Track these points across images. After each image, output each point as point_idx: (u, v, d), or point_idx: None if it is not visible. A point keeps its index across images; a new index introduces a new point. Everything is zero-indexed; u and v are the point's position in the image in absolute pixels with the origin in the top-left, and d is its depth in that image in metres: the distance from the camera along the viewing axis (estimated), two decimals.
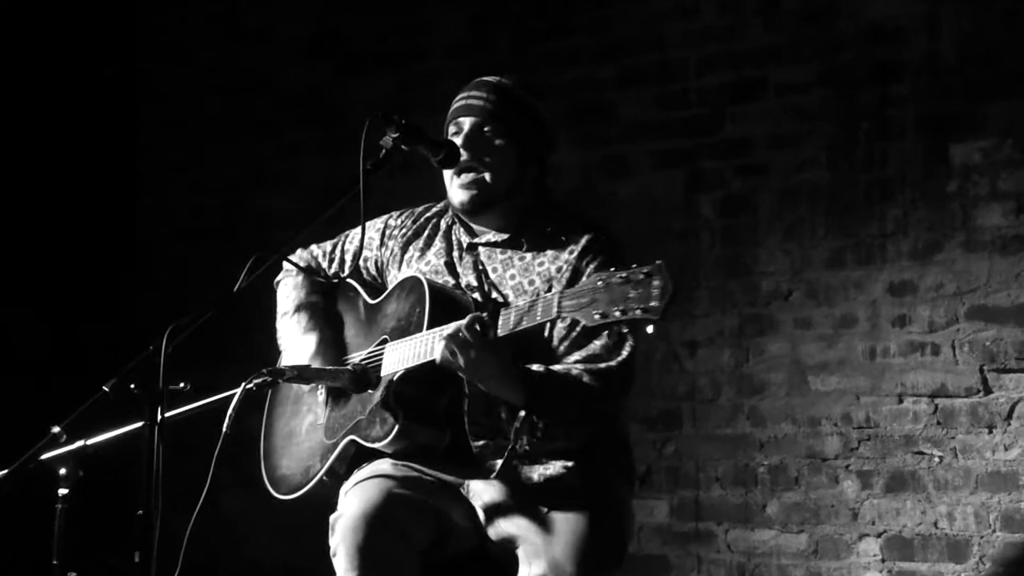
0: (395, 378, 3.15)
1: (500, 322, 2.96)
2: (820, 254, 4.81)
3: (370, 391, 3.22)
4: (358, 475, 3.23)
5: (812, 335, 4.80)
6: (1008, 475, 4.44)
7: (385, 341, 3.27)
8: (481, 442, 3.13)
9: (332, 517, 3.14)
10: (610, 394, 3.14)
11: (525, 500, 3.13)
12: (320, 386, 3.39)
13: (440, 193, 3.38)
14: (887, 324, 4.67)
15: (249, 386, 3.09)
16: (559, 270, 3.22)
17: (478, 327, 2.96)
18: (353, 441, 3.24)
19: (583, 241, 3.24)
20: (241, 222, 5.92)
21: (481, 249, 3.34)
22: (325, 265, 3.57)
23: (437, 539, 3.17)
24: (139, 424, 2.91)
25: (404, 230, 3.47)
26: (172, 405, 3.05)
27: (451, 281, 3.31)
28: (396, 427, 3.11)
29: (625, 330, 3.12)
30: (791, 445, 4.81)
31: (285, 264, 3.56)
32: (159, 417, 2.82)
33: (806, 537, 4.76)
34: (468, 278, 3.31)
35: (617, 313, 2.68)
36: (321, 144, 5.78)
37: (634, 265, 2.71)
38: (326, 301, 3.54)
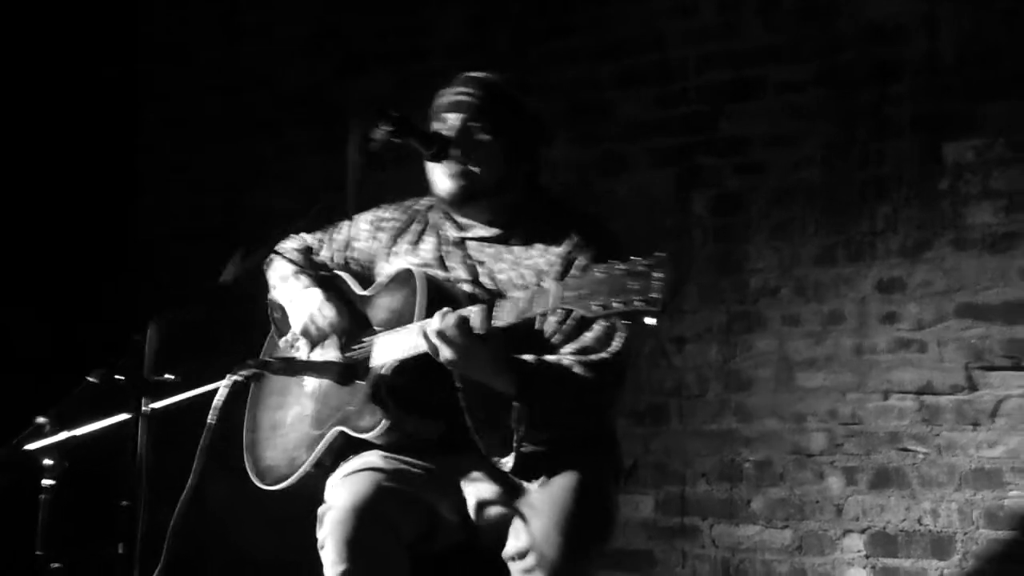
0: (385, 369, 3.09)
1: (499, 313, 2.88)
2: (810, 251, 4.76)
3: (359, 382, 3.15)
4: (347, 467, 3.17)
5: (800, 332, 4.76)
6: (992, 472, 4.38)
7: (377, 332, 3.20)
8: (485, 436, 3.06)
9: (320, 509, 3.08)
10: (604, 384, 3.09)
11: (515, 481, 3.07)
12: (307, 377, 3.32)
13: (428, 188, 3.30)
14: (875, 321, 4.62)
15: (236, 377, 3.03)
16: (549, 264, 3.15)
17: (463, 320, 2.89)
18: (341, 432, 3.17)
19: (574, 235, 3.17)
20: (241, 222, 5.85)
21: (470, 243, 3.27)
22: (316, 252, 3.50)
23: (426, 532, 3.12)
24: (125, 415, 2.91)
25: (394, 222, 3.40)
26: (159, 396, 3.03)
27: (440, 275, 3.23)
28: (386, 417, 3.06)
29: (616, 322, 3.05)
30: (777, 441, 4.76)
31: (276, 248, 3.47)
32: (144, 408, 2.79)
33: (791, 533, 4.71)
34: (457, 272, 3.24)
35: (618, 304, 2.59)
36: (321, 143, 5.72)
37: (635, 257, 2.62)
38: (321, 277, 3.46)
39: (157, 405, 3.01)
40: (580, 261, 3.11)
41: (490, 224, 3.25)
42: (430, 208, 3.37)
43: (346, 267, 3.44)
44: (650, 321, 2.60)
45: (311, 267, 3.46)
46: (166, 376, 2.92)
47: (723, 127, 4.94)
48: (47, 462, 3.11)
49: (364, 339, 3.22)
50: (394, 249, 3.35)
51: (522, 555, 2.96)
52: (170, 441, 3.12)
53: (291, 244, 3.50)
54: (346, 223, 3.37)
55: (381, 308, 3.23)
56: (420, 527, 3.10)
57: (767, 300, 4.81)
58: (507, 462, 3.04)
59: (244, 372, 3.06)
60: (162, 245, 6.11)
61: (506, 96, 3.24)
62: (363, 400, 3.11)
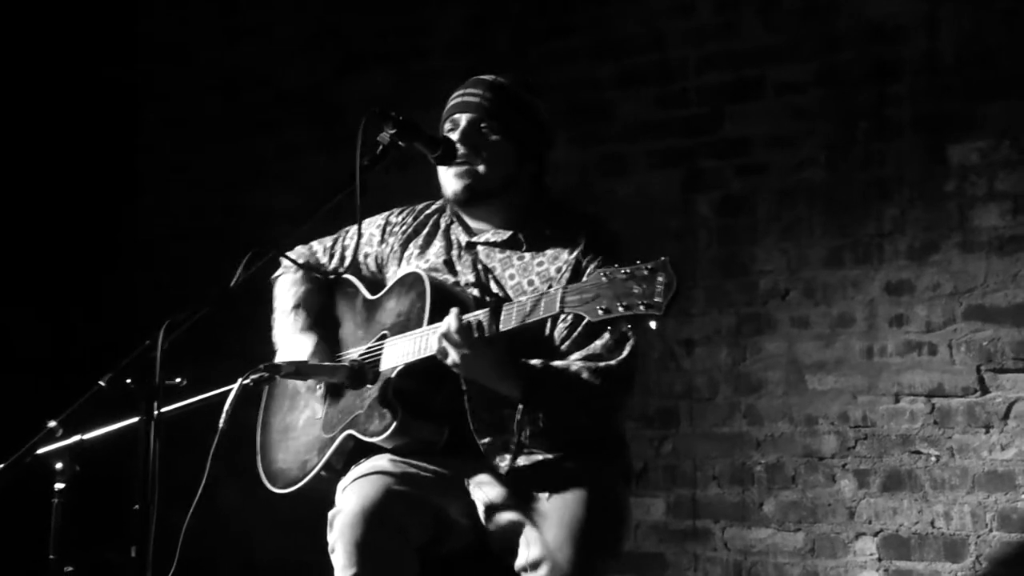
0: (394, 373, 3.15)
1: (503, 317, 2.95)
2: (817, 253, 4.79)
3: (369, 386, 3.21)
4: (356, 471, 3.22)
5: (809, 334, 4.79)
6: (1005, 475, 4.42)
7: (384, 336, 3.26)
8: (487, 439, 3.12)
9: (330, 513, 3.13)
10: (610, 392, 3.13)
11: (525, 489, 3.12)
12: (318, 381, 3.38)
13: (437, 190, 3.36)
14: (884, 324, 4.66)
15: (246, 382, 3.07)
16: (559, 270, 3.22)
17: (470, 323, 2.96)
18: (351, 435, 3.23)
19: (582, 239, 3.23)
20: (241, 222, 5.90)
21: (480, 248, 3.33)
22: (324, 260, 3.57)
23: (435, 535, 3.16)
24: (135, 419, 2.89)
25: (405, 227, 3.47)
26: (168, 400, 3.01)
27: (450, 279, 3.30)
28: (395, 422, 3.11)
29: (626, 330, 3.11)
30: (788, 444, 4.80)
31: (283, 260, 3.55)
32: (155, 412, 2.81)
33: (803, 536, 4.75)
34: (467, 276, 3.30)
35: (620, 308, 2.68)
36: (321, 143, 5.76)
37: (638, 261, 2.71)
38: (324, 298, 3.53)
39: (168, 409, 3.02)
40: (588, 266, 3.17)
41: (498, 227, 3.31)
42: (441, 212, 3.44)
43: (357, 271, 3.51)
44: (652, 325, 2.69)
45: (316, 287, 3.52)
46: (177, 380, 2.95)
47: (724, 128, 4.98)
48: (59, 466, 3.15)
49: (373, 343, 3.29)
50: (405, 253, 3.42)
51: (535, 566, 3.02)
52: (181, 444, 3.19)
53: (298, 257, 3.56)
54: (355, 227, 3.43)
55: (389, 312, 3.30)
56: (430, 530, 3.14)
57: (776, 302, 4.85)
58: (503, 465, 3.11)
59: (254, 376, 3.09)
60: (162, 245, 6.15)
61: (515, 98, 3.32)
62: (372, 404, 3.17)
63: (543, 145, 3.38)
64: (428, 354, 3.05)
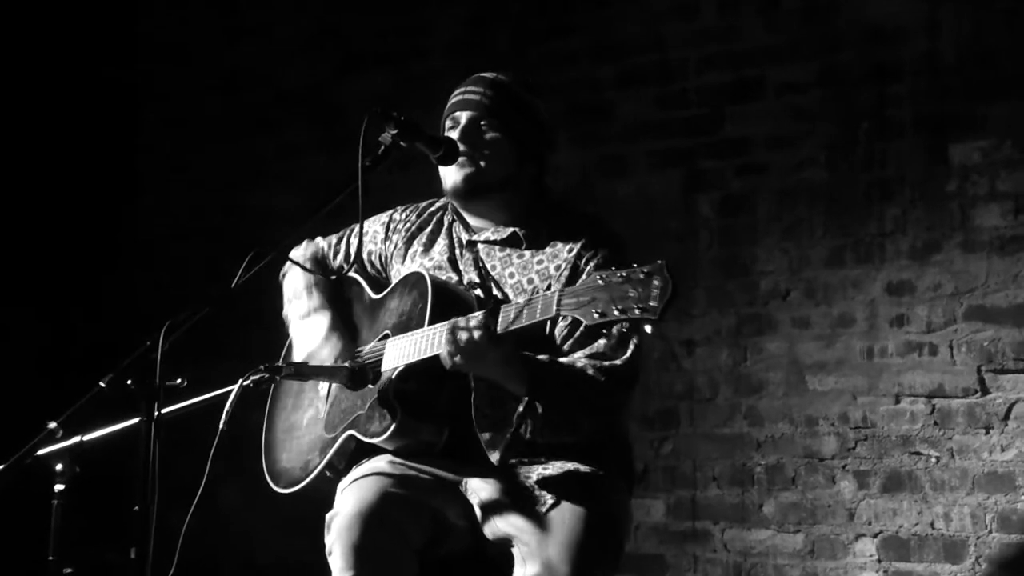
0: (395, 374, 3.16)
1: (500, 319, 2.95)
2: (819, 253, 4.81)
3: (370, 387, 3.21)
4: (355, 473, 3.23)
5: (810, 334, 4.81)
6: (1005, 476, 4.44)
7: (387, 336, 3.27)
8: (488, 434, 3.11)
9: (328, 515, 3.14)
10: (614, 390, 3.14)
11: (523, 499, 3.12)
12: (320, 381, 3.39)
13: (439, 191, 3.37)
14: (885, 324, 4.67)
15: (246, 383, 3.07)
16: (558, 268, 3.22)
17: (477, 322, 2.96)
18: (352, 436, 3.23)
19: (582, 239, 3.24)
20: (241, 222, 5.91)
21: (480, 246, 3.34)
22: (330, 255, 3.59)
23: (433, 538, 3.16)
24: (135, 420, 2.90)
25: (408, 224, 3.49)
26: (169, 401, 3.02)
27: (454, 278, 3.32)
28: (395, 423, 3.12)
29: (628, 329, 3.12)
30: (788, 445, 4.81)
31: (291, 255, 3.56)
32: (155, 413, 2.81)
33: (803, 537, 4.76)
34: (470, 275, 3.31)
35: (616, 312, 2.68)
36: (321, 143, 5.78)
37: (635, 264, 2.71)
38: (332, 290, 3.54)
39: (168, 410, 3.02)
40: (587, 265, 3.18)
41: (498, 224, 3.33)
42: (444, 210, 3.46)
43: (362, 270, 3.52)
44: (648, 329, 2.70)
45: (324, 274, 3.53)
46: (178, 381, 2.96)
47: (725, 128, 4.99)
48: (59, 467, 3.18)
49: (375, 343, 3.30)
50: (409, 251, 3.43)
51: None
52: (181, 445, 3.20)
53: (305, 251, 3.58)
54: (358, 226, 3.44)
55: (391, 311, 3.31)
56: (428, 532, 3.14)
57: (776, 303, 4.86)
58: (495, 457, 3.09)
59: (254, 377, 3.08)
60: (162, 245, 6.17)
61: (515, 97, 3.33)
62: (373, 405, 3.18)
63: (543, 145, 3.39)
64: (429, 355, 3.06)
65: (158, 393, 2.83)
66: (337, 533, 3.06)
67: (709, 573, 4.91)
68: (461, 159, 3.25)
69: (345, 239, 3.59)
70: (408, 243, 3.45)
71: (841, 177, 4.79)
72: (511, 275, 3.27)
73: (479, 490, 3.18)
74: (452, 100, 3.35)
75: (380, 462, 3.21)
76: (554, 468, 3.16)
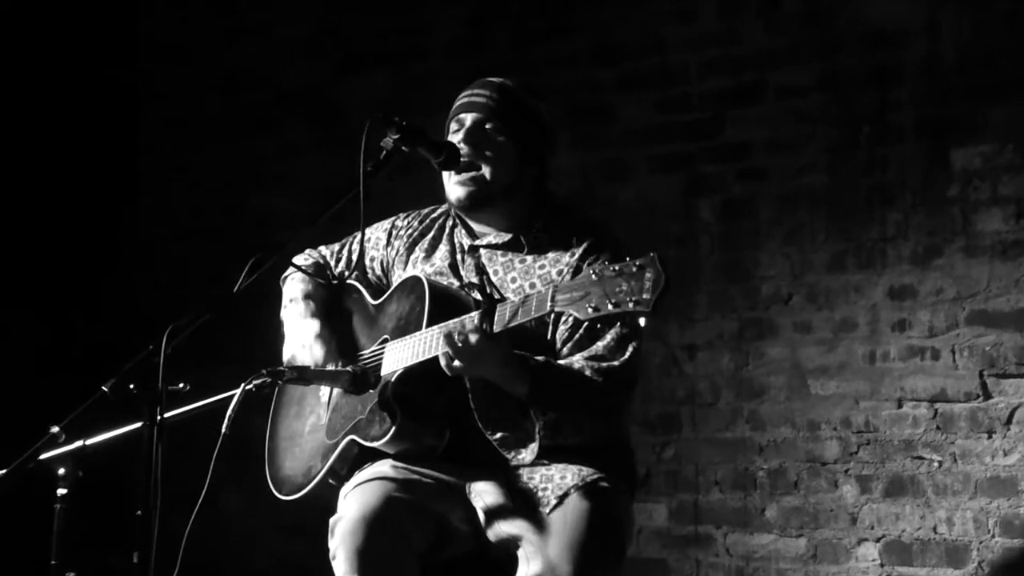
0: (394, 378, 3.18)
1: (496, 317, 2.97)
2: (820, 258, 4.83)
3: (370, 391, 3.23)
4: (358, 477, 3.25)
5: (812, 339, 4.83)
6: (1007, 480, 4.46)
7: (386, 341, 3.29)
8: (499, 434, 3.14)
9: (331, 520, 3.15)
10: (612, 391, 3.16)
11: (526, 501, 3.14)
12: (322, 386, 3.41)
13: (441, 196, 3.39)
14: (887, 328, 4.69)
15: (248, 387, 3.09)
16: (560, 273, 3.25)
17: (474, 324, 2.98)
18: (353, 441, 3.25)
19: (585, 243, 3.27)
20: (241, 222, 5.94)
21: (482, 251, 3.36)
22: (332, 262, 3.61)
23: (436, 542, 3.18)
24: (138, 424, 2.92)
25: (411, 231, 3.51)
26: (171, 405, 3.05)
27: (455, 283, 3.34)
28: (395, 426, 3.13)
29: (628, 331, 3.15)
30: (790, 449, 4.83)
31: (293, 262, 3.59)
32: (158, 417, 2.83)
33: (805, 541, 4.78)
34: (471, 280, 3.33)
35: (610, 306, 2.70)
36: (321, 143, 5.80)
37: (627, 258, 2.73)
38: (331, 297, 3.56)
39: (170, 414, 3.06)
40: (589, 268, 3.20)
41: (501, 230, 3.35)
42: (445, 216, 3.48)
43: (363, 276, 3.54)
44: (642, 322, 2.72)
45: (325, 280, 3.55)
46: (180, 385, 2.97)
47: (726, 132, 5.01)
48: (61, 471, 3.19)
49: (375, 347, 3.32)
50: (411, 257, 3.46)
51: None
52: (183, 450, 3.24)
53: (306, 259, 3.60)
54: (360, 232, 3.44)
55: (390, 316, 3.33)
56: (431, 536, 3.16)
57: (778, 307, 4.88)
58: (526, 455, 3.12)
59: (257, 381, 3.11)
60: (162, 245, 6.19)
61: (520, 100, 3.36)
62: (373, 409, 3.20)
63: (546, 148, 3.41)
64: (427, 358, 3.08)
65: (161, 397, 2.85)
66: (341, 537, 3.08)
67: None
68: (465, 169, 3.27)
69: (347, 246, 3.61)
70: (410, 249, 3.48)
71: (842, 181, 4.80)
72: (513, 280, 3.29)
73: (482, 493, 3.20)
74: (458, 103, 3.38)
75: (383, 466, 3.23)
76: (556, 470, 3.17)
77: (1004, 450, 4.48)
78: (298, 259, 3.62)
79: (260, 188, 5.99)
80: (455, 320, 3.06)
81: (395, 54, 5.79)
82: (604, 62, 5.28)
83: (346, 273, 3.56)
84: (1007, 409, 4.48)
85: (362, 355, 3.37)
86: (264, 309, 3.65)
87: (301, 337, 3.43)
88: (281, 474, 3.48)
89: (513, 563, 3.11)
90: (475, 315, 3.01)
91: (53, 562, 3.19)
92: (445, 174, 3.33)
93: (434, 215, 3.51)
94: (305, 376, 3.28)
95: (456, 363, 2.98)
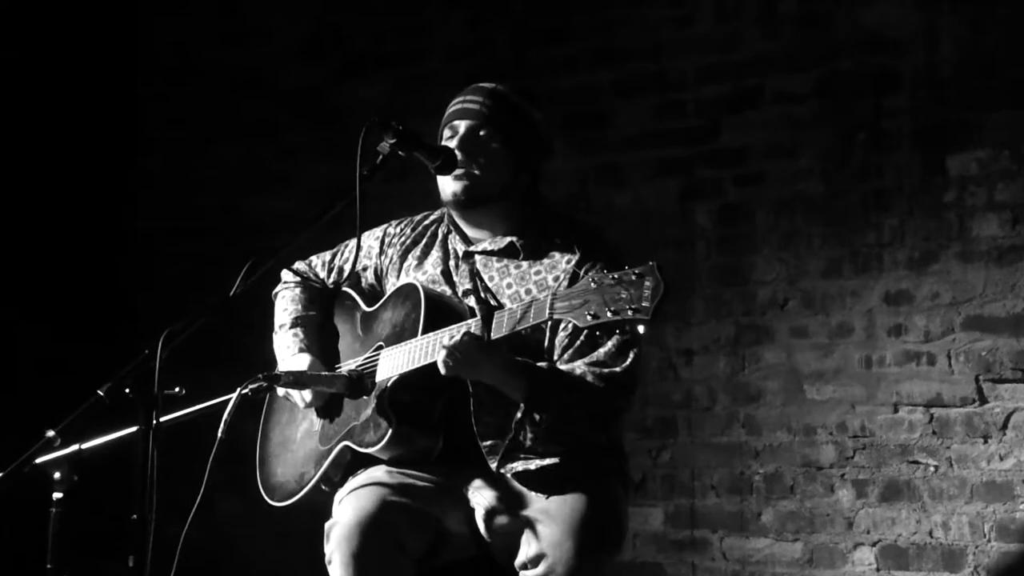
0: (389, 384, 3.19)
1: (494, 325, 2.99)
2: (817, 263, 4.83)
3: (365, 397, 3.25)
4: (353, 482, 3.26)
5: (808, 344, 4.83)
6: (1003, 485, 4.47)
7: (381, 348, 3.30)
8: (490, 442, 3.16)
9: (327, 524, 3.17)
10: (613, 397, 3.18)
11: (523, 492, 3.17)
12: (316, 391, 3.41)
13: (436, 201, 3.40)
14: (883, 333, 4.70)
15: (245, 391, 3.11)
16: (556, 279, 3.25)
17: (471, 331, 3.01)
18: (347, 447, 3.27)
19: (581, 249, 3.27)
20: (240, 223, 5.94)
21: (477, 257, 3.37)
22: (323, 275, 3.61)
23: (432, 546, 3.20)
24: (134, 428, 2.93)
25: (403, 238, 3.51)
26: (167, 409, 3.06)
27: (448, 290, 3.34)
28: (390, 432, 3.15)
29: (629, 337, 3.16)
30: (786, 454, 4.84)
31: (283, 275, 3.60)
32: (154, 421, 2.84)
33: (801, 546, 4.79)
34: (465, 286, 3.34)
35: (609, 314, 2.72)
36: (320, 145, 5.80)
37: (626, 266, 2.75)
38: (323, 313, 3.57)
39: (166, 418, 3.05)
40: (586, 275, 3.17)
41: (496, 235, 3.36)
42: (439, 222, 3.49)
43: (356, 284, 3.54)
44: (641, 329, 2.74)
45: (315, 302, 3.56)
46: (176, 389, 2.98)
47: (722, 138, 5.01)
48: (57, 475, 3.19)
49: (369, 354, 3.33)
50: (404, 264, 3.46)
51: (535, 562, 3.06)
52: (179, 454, 3.23)
53: (296, 274, 3.61)
54: (354, 240, 3.45)
55: (385, 323, 3.34)
56: (427, 541, 3.18)
57: (775, 312, 4.89)
58: (492, 462, 3.15)
59: (253, 385, 3.14)
60: (161, 245, 6.20)
61: (514, 106, 3.36)
62: (367, 415, 3.21)
63: (540, 154, 3.42)
64: (422, 364, 3.10)
65: (156, 401, 2.86)
66: (336, 543, 3.10)
67: None
68: (459, 169, 3.28)
69: (339, 255, 3.62)
70: (403, 257, 3.48)
71: (839, 187, 4.81)
72: (508, 286, 3.30)
73: (480, 489, 3.23)
74: (451, 109, 3.38)
75: (378, 471, 3.25)
76: (551, 460, 3.19)
77: (1000, 455, 4.48)
78: (287, 272, 3.62)
79: (259, 188, 5.99)
80: (453, 327, 3.07)
81: (394, 56, 5.80)
82: (602, 66, 5.28)
83: (339, 282, 3.57)
84: (1003, 414, 4.49)
85: (357, 361, 3.37)
86: (261, 313, 3.65)
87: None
88: (273, 480, 3.48)
89: (514, 559, 3.13)
90: (472, 322, 3.03)
91: (49, 566, 3.19)
92: (441, 178, 3.33)
93: (427, 222, 3.52)
94: (302, 381, 3.30)
95: (453, 367, 3.00)
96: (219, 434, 3.01)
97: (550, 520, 3.09)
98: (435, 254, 3.43)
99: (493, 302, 3.28)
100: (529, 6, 5.52)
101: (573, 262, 3.25)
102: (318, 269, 3.63)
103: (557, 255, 3.29)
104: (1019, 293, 4.49)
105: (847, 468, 4.72)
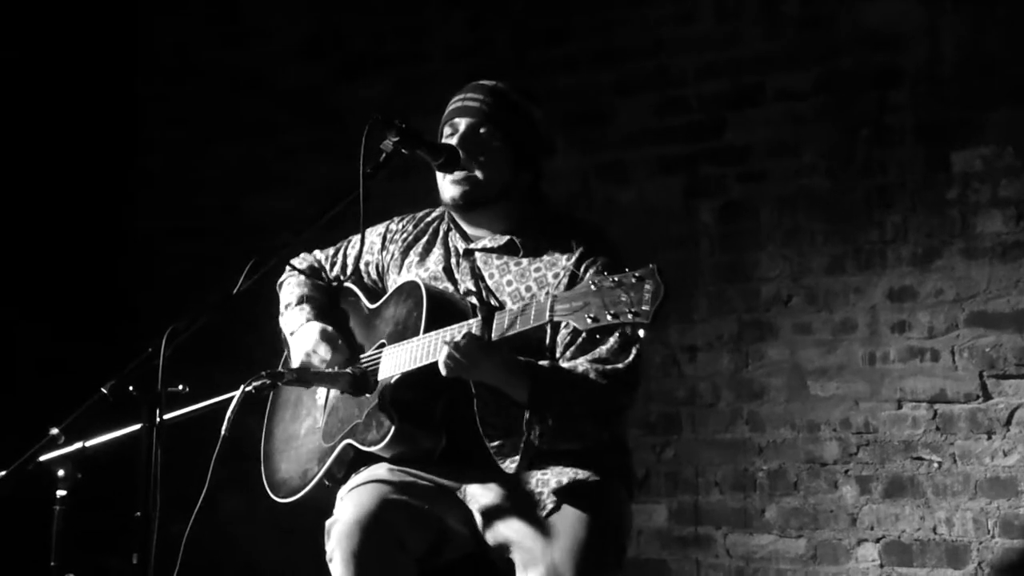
0: (392, 382, 3.19)
1: (495, 325, 2.99)
2: (820, 260, 4.84)
3: (368, 395, 3.25)
4: (354, 480, 3.27)
5: (811, 340, 4.84)
6: (1007, 481, 4.47)
7: (383, 345, 3.30)
8: (497, 442, 3.15)
9: (328, 522, 3.18)
10: (616, 393, 3.18)
11: (522, 504, 3.15)
12: (319, 389, 3.43)
13: (438, 198, 3.41)
14: (886, 330, 4.71)
15: (248, 388, 3.10)
16: (556, 276, 3.26)
17: (472, 332, 3.01)
18: (350, 444, 3.27)
19: (581, 246, 3.27)
20: (240, 223, 5.95)
21: (477, 255, 3.38)
22: (327, 268, 3.62)
23: (433, 545, 3.19)
24: (137, 426, 2.94)
25: (405, 235, 3.52)
26: (170, 407, 3.07)
27: (450, 287, 3.35)
28: (392, 430, 3.15)
29: (631, 334, 3.15)
30: (790, 450, 4.85)
31: (288, 266, 3.61)
32: (157, 419, 2.85)
33: (805, 542, 4.80)
34: (466, 284, 3.34)
35: (609, 317, 2.72)
36: (320, 145, 5.81)
37: (627, 269, 2.75)
38: (329, 299, 3.58)
39: (170, 416, 3.09)
40: (586, 273, 3.20)
41: (497, 233, 3.36)
42: (440, 220, 3.49)
43: (359, 280, 3.56)
44: (641, 333, 2.75)
45: (321, 288, 3.57)
46: (179, 387, 2.99)
47: (725, 135, 5.02)
48: (61, 473, 3.20)
49: (372, 352, 3.34)
50: (405, 261, 3.47)
51: None
52: (183, 451, 3.24)
53: (301, 263, 3.62)
54: (357, 237, 3.47)
55: (387, 320, 3.35)
56: (428, 539, 3.17)
57: (778, 309, 4.90)
58: (512, 466, 3.14)
59: (256, 383, 3.12)
60: (161, 245, 6.21)
61: (514, 104, 3.37)
62: (370, 413, 3.22)
63: (540, 151, 3.42)
64: (425, 363, 3.10)
65: (160, 399, 2.87)
66: (337, 540, 3.09)
67: None
68: (458, 172, 3.28)
69: (341, 251, 3.63)
70: (404, 254, 3.49)
71: (841, 184, 4.82)
72: (509, 283, 3.31)
73: (478, 496, 3.22)
74: (450, 107, 3.39)
75: (380, 469, 3.25)
76: (553, 473, 3.18)
77: (1004, 451, 4.49)
78: (293, 263, 3.63)
79: (260, 188, 6.00)
80: (454, 326, 3.08)
81: (394, 56, 5.81)
82: (603, 65, 5.29)
83: (341, 277, 3.58)
84: (1007, 410, 4.50)
85: (359, 359, 3.38)
86: (263, 311, 3.66)
87: (305, 344, 3.42)
88: (277, 477, 3.49)
89: (511, 566, 3.12)
90: (473, 322, 3.04)
91: (52, 563, 3.20)
92: (440, 175, 3.34)
93: (428, 219, 3.52)
94: (304, 378, 3.29)
95: (454, 367, 3.00)
96: (222, 432, 3.01)
97: (548, 542, 3.08)
98: (436, 251, 3.44)
99: (494, 301, 3.28)
100: (529, 6, 5.53)
101: (573, 259, 3.26)
102: (322, 262, 3.64)
103: (557, 252, 3.29)
104: (1022, 289, 4.50)
105: (851, 464, 4.73)
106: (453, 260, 3.40)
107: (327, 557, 3.14)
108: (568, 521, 3.10)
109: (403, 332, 3.24)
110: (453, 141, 3.31)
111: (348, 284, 3.56)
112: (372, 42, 5.88)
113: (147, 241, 6.27)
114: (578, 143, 5.20)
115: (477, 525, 3.21)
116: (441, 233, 3.46)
